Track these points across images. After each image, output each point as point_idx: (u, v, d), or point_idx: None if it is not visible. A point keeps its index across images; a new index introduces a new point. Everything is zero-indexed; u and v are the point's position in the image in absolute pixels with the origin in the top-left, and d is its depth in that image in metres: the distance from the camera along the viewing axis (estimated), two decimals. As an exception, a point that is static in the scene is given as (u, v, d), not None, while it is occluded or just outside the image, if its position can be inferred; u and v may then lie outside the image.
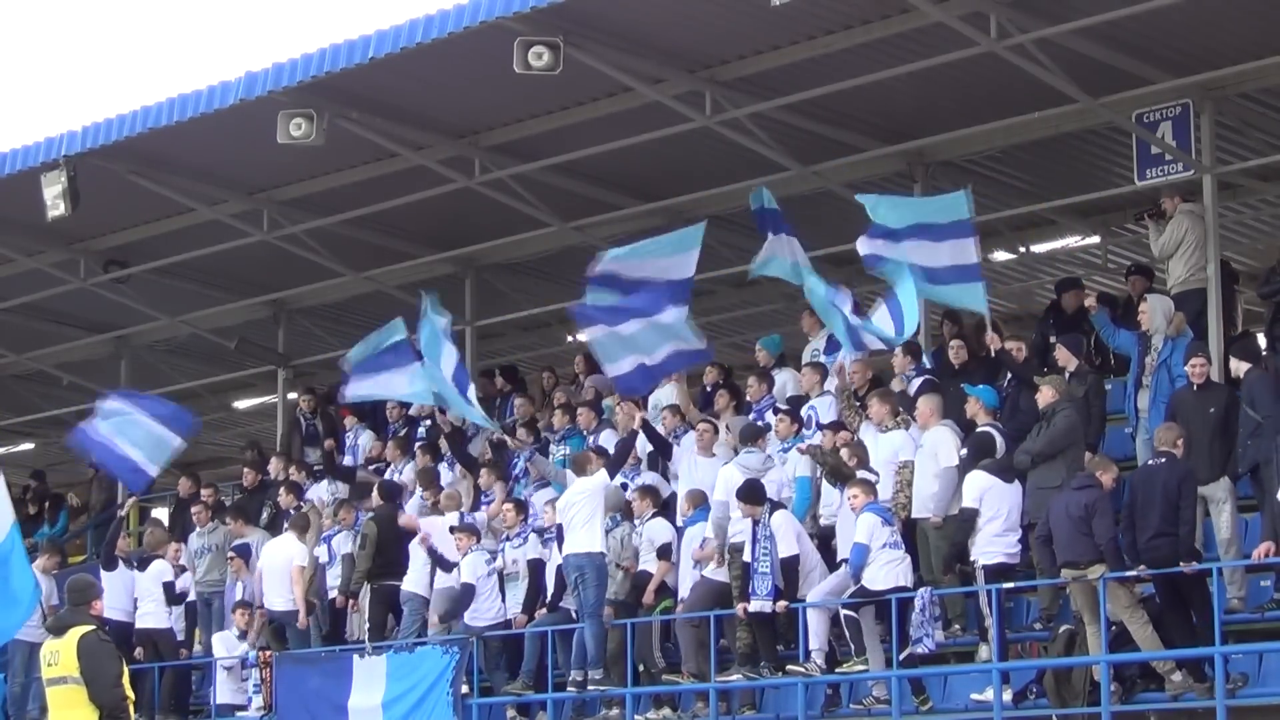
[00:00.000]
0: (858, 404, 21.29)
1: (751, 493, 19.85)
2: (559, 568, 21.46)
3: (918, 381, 21.43)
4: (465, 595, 22.16)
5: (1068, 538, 17.78)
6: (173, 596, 25.26)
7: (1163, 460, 17.91)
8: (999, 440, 19.63)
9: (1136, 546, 17.62)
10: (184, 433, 25.23)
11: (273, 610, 24.22)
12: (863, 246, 20.15)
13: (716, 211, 25.32)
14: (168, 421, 25.05)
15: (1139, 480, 18.07)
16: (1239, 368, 19.25)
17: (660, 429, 22.67)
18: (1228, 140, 22.38)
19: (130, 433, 24.85)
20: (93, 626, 14.72)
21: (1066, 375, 20.41)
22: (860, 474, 19.71)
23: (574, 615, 21.44)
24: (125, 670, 14.84)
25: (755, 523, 19.71)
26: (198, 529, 26.46)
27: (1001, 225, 25.53)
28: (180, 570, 25.73)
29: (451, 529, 22.53)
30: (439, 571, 22.69)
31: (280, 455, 28.15)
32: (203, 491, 27.68)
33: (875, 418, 20.59)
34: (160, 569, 25.26)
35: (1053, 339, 21.92)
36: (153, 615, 25.15)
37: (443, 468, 25.06)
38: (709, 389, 24.00)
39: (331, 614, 24.41)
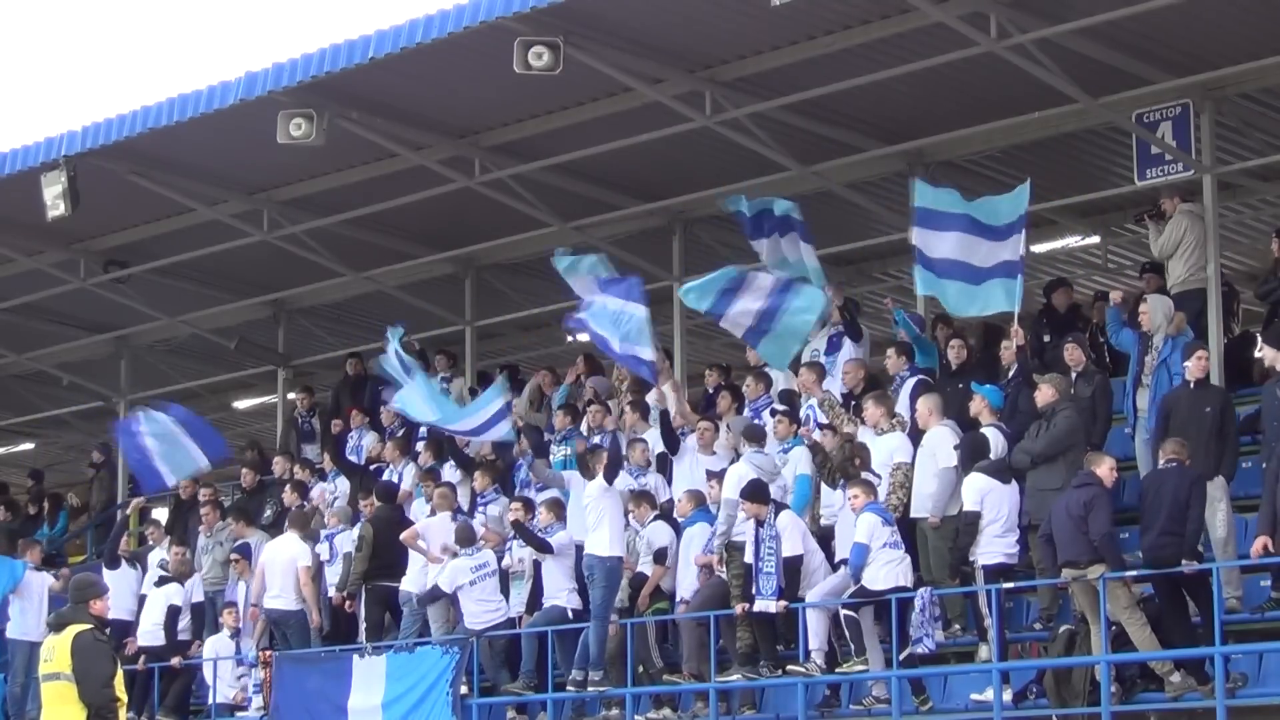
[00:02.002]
0: (843, 407, 21.26)
1: (756, 492, 19.85)
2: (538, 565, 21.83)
3: (911, 382, 21.41)
4: (433, 595, 22.36)
5: (1068, 536, 17.77)
6: (171, 626, 25.06)
7: (1173, 464, 17.89)
8: (993, 441, 19.62)
9: (1142, 547, 17.61)
10: (213, 458, 25.85)
11: (272, 610, 24.15)
12: (914, 236, 20.05)
13: (716, 212, 25.33)
14: (202, 443, 25.63)
15: (1149, 483, 18.06)
16: (1275, 357, 18.61)
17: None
18: (1228, 140, 22.37)
19: (165, 445, 25.45)
20: (89, 625, 14.74)
21: (1074, 374, 20.39)
22: (864, 475, 19.72)
23: (569, 614, 21.48)
24: (119, 672, 14.85)
25: (759, 523, 19.72)
26: (204, 528, 26.45)
27: (1001, 225, 25.52)
28: (187, 571, 25.68)
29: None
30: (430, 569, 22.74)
31: (285, 454, 28.14)
32: (202, 492, 27.67)
33: (870, 420, 20.56)
34: (171, 591, 25.17)
35: (1046, 338, 21.89)
36: (150, 634, 25.02)
37: (446, 469, 25.02)
38: (710, 391, 24.01)
39: (331, 613, 24.39)
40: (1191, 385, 19.10)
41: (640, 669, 21.11)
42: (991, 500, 18.96)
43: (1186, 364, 19.24)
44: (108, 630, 15.31)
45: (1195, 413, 18.78)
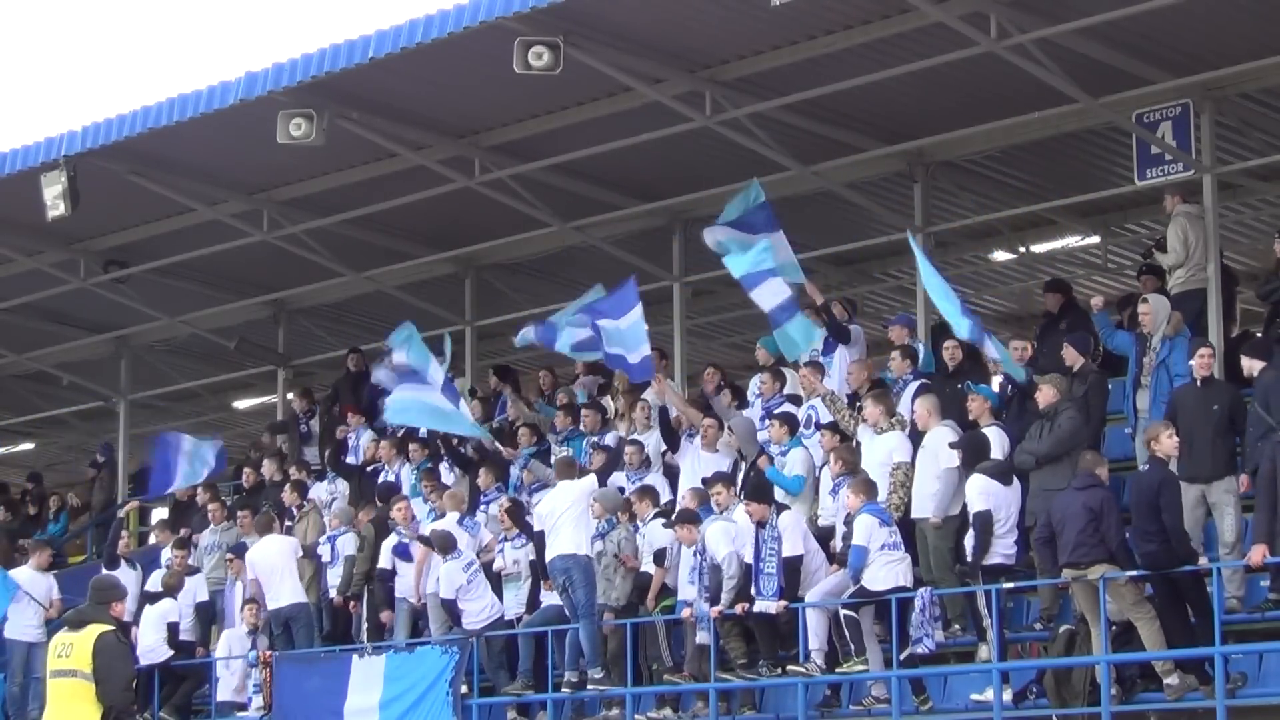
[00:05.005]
0: (848, 408, 21.26)
1: (758, 492, 19.86)
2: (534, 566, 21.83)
3: (914, 385, 21.39)
4: (449, 610, 22.29)
5: (1075, 538, 17.68)
6: (175, 641, 25.02)
7: (1148, 465, 17.89)
8: (994, 441, 19.58)
9: (1138, 554, 17.59)
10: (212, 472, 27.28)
11: (278, 609, 24.07)
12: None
13: (716, 211, 25.29)
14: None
15: (1132, 489, 18.04)
16: (1252, 366, 18.84)
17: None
18: (1228, 140, 22.37)
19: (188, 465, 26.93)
20: (112, 627, 14.77)
21: (1071, 373, 20.36)
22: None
23: (566, 613, 21.48)
24: (134, 674, 14.91)
25: (760, 524, 19.72)
26: (211, 525, 26.42)
27: (1001, 225, 25.55)
28: (191, 571, 25.65)
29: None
30: (426, 578, 22.70)
31: (274, 456, 28.13)
32: (200, 491, 27.64)
33: (870, 418, 20.55)
34: (166, 609, 25.16)
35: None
36: (154, 651, 24.91)
37: (442, 468, 25.03)
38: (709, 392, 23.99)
39: (332, 614, 24.37)
40: (1198, 383, 18.99)
41: (654, 667, 21.10)
42: (995, 502, 18.91)
43: (1191, 362, 19.21)
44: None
45: (1202, 411, 18.66)
